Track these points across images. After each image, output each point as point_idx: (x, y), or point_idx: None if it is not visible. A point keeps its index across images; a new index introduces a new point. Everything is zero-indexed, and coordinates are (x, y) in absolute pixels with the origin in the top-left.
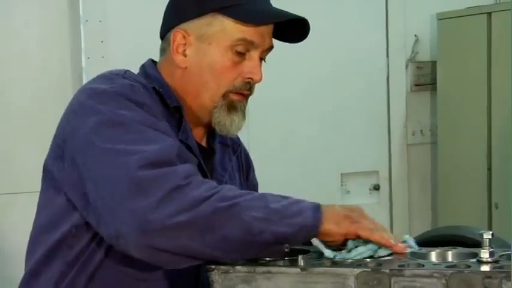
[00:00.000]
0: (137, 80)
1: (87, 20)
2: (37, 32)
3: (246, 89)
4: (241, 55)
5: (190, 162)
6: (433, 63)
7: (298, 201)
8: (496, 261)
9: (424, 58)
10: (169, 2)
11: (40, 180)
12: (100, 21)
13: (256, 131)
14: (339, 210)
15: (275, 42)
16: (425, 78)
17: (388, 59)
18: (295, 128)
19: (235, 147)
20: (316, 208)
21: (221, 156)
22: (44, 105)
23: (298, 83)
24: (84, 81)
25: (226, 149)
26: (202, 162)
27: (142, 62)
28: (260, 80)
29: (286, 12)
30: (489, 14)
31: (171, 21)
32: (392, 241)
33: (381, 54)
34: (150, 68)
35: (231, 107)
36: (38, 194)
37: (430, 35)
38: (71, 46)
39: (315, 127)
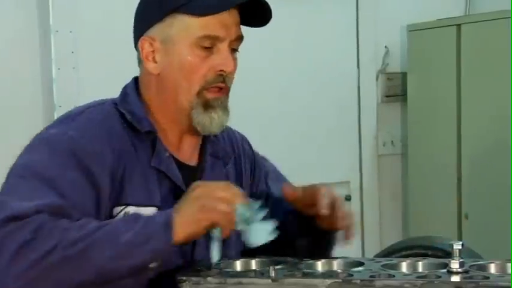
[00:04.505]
0: (90, 119)
1: (57, 31)
2: (6, 43)
3: (220, 81)
4: (209, 49)
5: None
6: (404, 75)
7: (149, 222)
8: (466, 272)
9: (394, 69)
10: (135, 12)
11: None
12: (70, 31)
13: None
14: (190, 206)
15: (246, 50)
16: (396, 90)
17: (358, 70)
18: (265, 139)
19: (226, 159)
20: (168, 224)
21: (211, 171)
22: (13, 116)
23: (268, 93)
24: (55, 92)
25: (216, 162)
26: (184, 186)
27: (113, 73)
28: (232, 70)
29: None
30: (459, 25)
31: (137, 30)
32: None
33: (351, 65)
34: (130, 88)
35: (207, 106)
36: None
37: (401, 46)
38: (41, 57)
39: (285, 137)
